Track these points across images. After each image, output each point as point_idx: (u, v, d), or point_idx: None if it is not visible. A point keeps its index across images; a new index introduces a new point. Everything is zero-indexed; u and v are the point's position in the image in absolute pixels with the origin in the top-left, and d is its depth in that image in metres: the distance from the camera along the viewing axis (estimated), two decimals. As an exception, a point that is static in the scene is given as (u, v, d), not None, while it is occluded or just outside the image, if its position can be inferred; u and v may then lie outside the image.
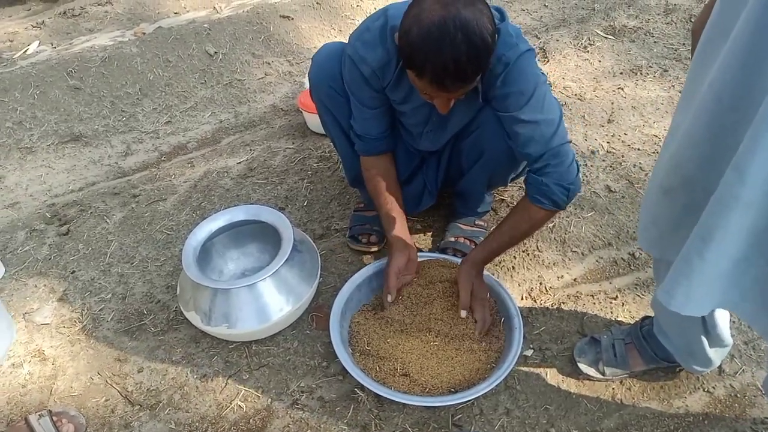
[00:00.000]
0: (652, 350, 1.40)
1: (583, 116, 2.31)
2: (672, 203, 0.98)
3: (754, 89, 0.76)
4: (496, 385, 1.36)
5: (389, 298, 1.48)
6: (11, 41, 2.74)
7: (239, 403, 1.43)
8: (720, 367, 1.47)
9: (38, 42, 2.73)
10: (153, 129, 2.36)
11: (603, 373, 1.43)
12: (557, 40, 2.78)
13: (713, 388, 1.44)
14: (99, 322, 1.62)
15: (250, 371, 1.50)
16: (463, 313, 1.45)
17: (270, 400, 1.44)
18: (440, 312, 1.50)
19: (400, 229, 1.54)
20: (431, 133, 1.54)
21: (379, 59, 1.35)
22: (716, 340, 1.27)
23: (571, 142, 1.41)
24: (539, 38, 2.83)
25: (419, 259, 1.58)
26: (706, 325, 1.24)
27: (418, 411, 1.40)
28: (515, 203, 1.55)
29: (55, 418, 1.34)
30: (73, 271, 1.76)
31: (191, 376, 1.49)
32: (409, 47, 1.16)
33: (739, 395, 1.43)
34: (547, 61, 2.65)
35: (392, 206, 1.55)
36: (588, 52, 2.69)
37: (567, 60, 2.64)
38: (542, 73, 1.38)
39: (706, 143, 0.88)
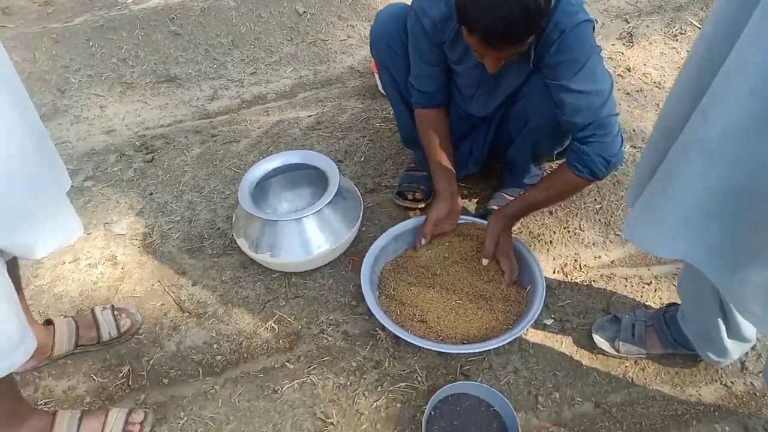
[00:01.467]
0: (672, 335, 1.41)
1: (658, 104, 2.26)
2: (652, 154, 0.99)
3: (726, 41, 0.77)
4: (508, 343, 1.42)
5: (422, 242, 1.58)
6: (128, -12, 3.01)
7: (273, 324, 1.58)
8: (743, 363, 1.45)
9: (151, -10, 2.99)
10: (239, 78, 2.54)
11: (617, 350, 1.45)
12: (647, 26, 2.70)
13: (732, 383, 1.43)
14: (166, 239, 1.82)
15: (287, 299, 1.64)
16: (485, 262, 1.53)
17: (300, 326, 1.58)
18: (467, 272, 1.57)
19: (448, 180, 1.61)
20: (483, 96, 1.58)
21: (441, 13, 1.41)
22: (735, 332, 1.27)
23: (618, 114, 1.41)
24: (629, 23, 2.75)
25: (463, 222, 1.66)
26: (724, 310, 1.23)
27: (430, 356, 1.49)
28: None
29: (115, 312, 1.55)
30: (151, 194, 1.97)
31: (236, 296, 1.66)
32: (464, 3, 1.21)
33: (758, 394, 1.41)
34: (632, 46, 2.58)
35: (442, 159, 1.62)
36: (677, 41, 2.59)
37: (653, 47, 2.57)
38: (597, 45, 1.38)
39: (686, 95, 0.90)
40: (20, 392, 1.28)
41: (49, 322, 1.48)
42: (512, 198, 1.81)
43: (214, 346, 1.54)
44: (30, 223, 1.05)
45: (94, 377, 1.48)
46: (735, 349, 1.31)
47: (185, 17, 2.70)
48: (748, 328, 1.26)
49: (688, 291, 1.31)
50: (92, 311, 1.54)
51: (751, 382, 1.43)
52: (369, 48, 1.69)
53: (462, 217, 1.69)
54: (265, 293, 1.66)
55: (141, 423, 1.35)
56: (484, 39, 1.23)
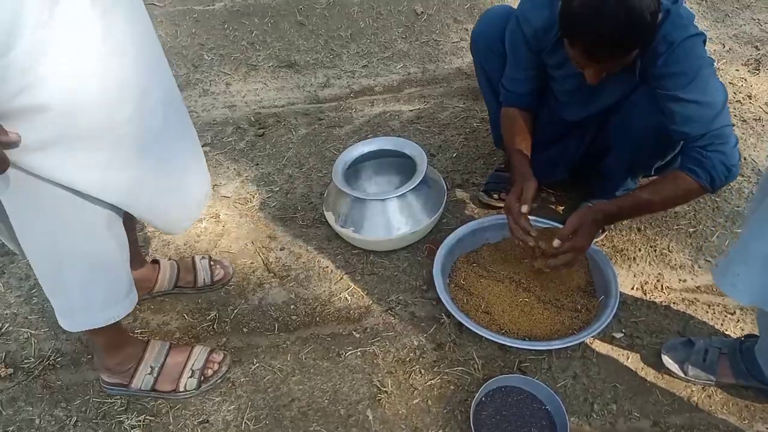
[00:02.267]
0: (745, 366, 1.35)
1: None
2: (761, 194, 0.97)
3: None
4: (571, 347, 1.42)
5: (524, 209, 1.43)
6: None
7: (346, 295, 1.69)
8: (826, 409, 1.36)
9: (285, -17, 3.23)
10: (351, 69, 2.69)
11: (686, 373, 1.41)
12: (779, 55, 2.53)
13: (809, 427, 1.34)
14: (264, 205, 1.98)
15: (362, 275, 1.74)
16: (556, 243, 1.40)
17: (371, 301, 1.67)
18: (541, 274, 1.58)
19: (528, 166, 1.51)
20: (577, 104, 1.59)
21: (544, 21, 1.44)
22: None
23: (733, 126, 1.36)
24: (759, 49, 2.60)
25: (542, 227, 1.66)
26: None
27: (490, 347, 1.52)
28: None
29: (212, 263, 1.72)
30: (257, 164, 2.15)
31: (317, 265, 1.78)
32: (568, 15, 1.24)
33: (838, 444, 1.31)
34: (758, 73, 2.44)
35: (524, 150, 1.55)
36: (811, 72, 2.42)
37: (782, 76, 2.41)
38: (710, 57, 1.35)
39: None
40: (121, 325, 1.41)
41: (155, 261, 1.67)
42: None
43: (292, 306, 1.67)
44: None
45: (186, 317, 1.65)
46: None
47: (311, 9, 2.89)
48: None
49: (765, 324, 1.25)
50: (192, 258, 1.72)
51: (832, 432, 1.33)
52: (470, 45, 1.74)
53: (544, 220, 1.70)
54: (344, 266, 1.77)
55: (219, 362, 1.49)
56: (587, 51, 1.25)
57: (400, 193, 1.65)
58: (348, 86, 2.61)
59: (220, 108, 2.48)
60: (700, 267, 1.71)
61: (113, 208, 1.12)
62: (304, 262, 1.79)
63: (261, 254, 1.82)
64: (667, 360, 1.44)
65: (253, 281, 1.74)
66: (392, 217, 1.68)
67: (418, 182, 1.66)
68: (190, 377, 1.44)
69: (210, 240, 1.87)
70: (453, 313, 1.50)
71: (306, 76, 2.67)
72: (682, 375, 1.41)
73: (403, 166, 1.86)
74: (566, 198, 1.93)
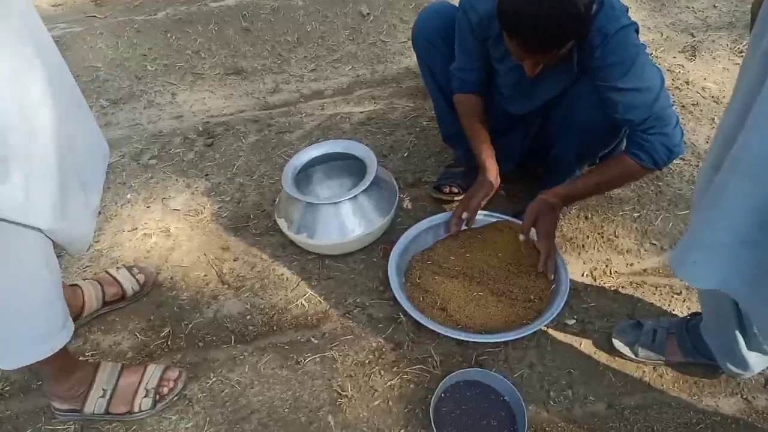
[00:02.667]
0: (692, 343, 1.39)
1: (713, 119, 2.20)
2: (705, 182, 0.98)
3: None
4: (525, 337, 1.45)
5: (464, 215, 1.63)
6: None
7: (303, 302, 1.68)
8: (767, 378, 1.41)
9: (229, -11, 3.19)
10: (300, 73, 2.68)
11: (636, 354, 1.45)
12: (713, 41, 2.63)
13: (754, 397, 1.40)
14: (215, 216, 1.96)
15: (319, 280, 1.73)
16: (521, 237, 1.49)
17: (329, 306, 1.66)
18: (493, 267, 1.61)
19: (492, 157, 1.64)
20: (520, 97, 1.62)
21: (487, 10, 1.45)
22: (755, 343, 1.24)
23: (674, 106, 1.41)
24: (694, 36, 2.70)
25: (491, 221, 1.70)
26: (743, 322, 1.22)
27: (448, 344, 1.53)
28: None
29: (130, 270, 1.68)
30: (207, 174, 2.12)
31: (273, 273, 1.76)
32: (505, 8, 1.26)
33: (782, 413, 1.37)
34: (694, 60, 2.53)
35: (483, 135, 1.66)
36: (742, 58, 2.51)
37: (716, 62, 2.50)
38: (643, 43, 1.39)
39: (735, 115, 0.90)
40: (68, 351, 1.36)
41: (74, 285, 1.61)
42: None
43: (248, 317, 1.65)
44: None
45: (138, 335, 1.62)
46: (756, 362, 1.28)
47: (256, 15, 2.87)
48: None
49: (708, 302, 1.29)
50: (106, 272, 1.67)
51: (775, 400, 1.39)
52: (411, 41, 1.76)
53: (496, 214, 1.73)
54: (300, 273, 1.75)
55: (175, 380, 1.46)
56: (523, 44, 1.27)
57: (352, 196, 1.65)
58: (297, 91, 2.59)
59: (167, 119, 2.44)
60: (645, 250, 1.76)
61: (42, 235, 1.09)
62: (258, 272, 1.77)
63: (214, 266, 1.79)
64: (617, 343, 1.47)
65: (207, 294, 1.72)
66: (345, 220, 1.67)
67: (368, 184, 1.66)
68: (145, 397, 1.41)
69: (160, 255, 1.83)
70: (409, 311, 1.51)
71: (254, 83, 2.64)
72: (633, 357, 1.45)
73: (354, 168, 1.86)
74: (516, 190, 1.96)
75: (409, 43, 2.78)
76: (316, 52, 2.79)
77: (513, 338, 1.44)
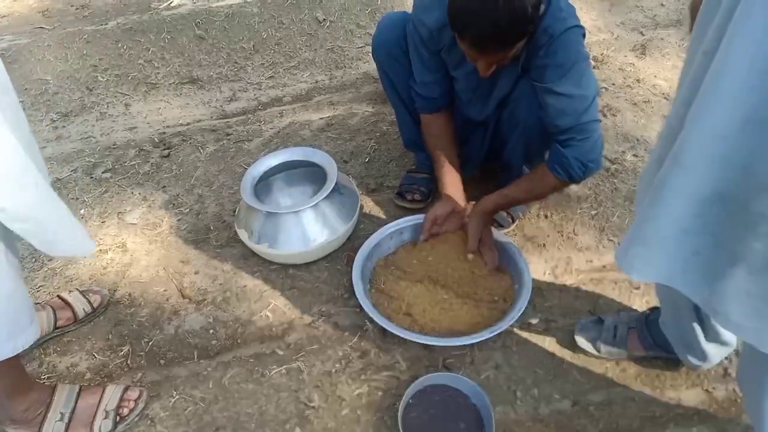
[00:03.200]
0: (652, 337, 1.42)
1: (664, 115, 2.26)
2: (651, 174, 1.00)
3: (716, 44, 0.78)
4: (490, 338, 1.45)
5: (421, 237, 1.65)
6: (160, -6, 3.17)
7: (267, 313, 1.65)
8: (726, 369, 1.45)
9: (182, -3, 3.13)
10: (257, 81, 2.65)
11: (598, 351, 1.47)
12: (662, 39, 2.70)
13: (713, 388, 1.43)
14: (174, 229, 1.91)
15: (282, 290, 1.71)
16: (470, 256, 1.60)
17: (293, 316, 1.64)
18: (455, 270, 1.61)
19: (452, 183, 1.68)
20: (479, 101, 1.63)
21: (435, 20, 1.46)
22: (713, 334, 1.27)
23: (600, 121, 1.44)
24: (643, 34, 2.77)
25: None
26: (700, 314, 1.25)
27: (414, 348, 1.53)
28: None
29: (82, 292, 1.63)
30: (164, 186, 2.07)
31: (235, 285, 1.73)
32: (454, 9, 1.26)
33: (739, 401, 1.41)
34: (644, 58, 2.60)
35: (447, 163, 1.68)
36: (691, 53, 2.59)
37: (665, 59, 2.57)
38: (586, 51, 1.42)
39: (681, 104, 0.91)
40: (23, 367, 1.36)
41: None
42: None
43: (210, 331, 1.62)
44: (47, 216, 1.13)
45: (96, 355, 1.56)
46: (715, 353, 1.31)
47: (210, 22, 2.82)
48: (727, 332, 1.27)
49: (664, 296, 1.32)
50: (58, 296, 1.62)
51: (733, 389, 1.43)
52: (371, 54, 1.75)
53: None
54: (263, 283, 1.73)
55: (135, 400, 1.42)
56: (474, 44, 1.28)
57: (313, 204, 1.63)
58: (255, 98, 2.56)
59: (121, 131, 2.38)
60: (604, 247, 1.79)
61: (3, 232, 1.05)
62: (220, 284, 1.74)
63: (174, 280, 1.75)
64: (580, 340, 1.49)
65: (168, 309, 1.67)
66: (307, 228, 1.66)
67: (329, 191, 1.64)
68: (105, 419, 1.37)
69: (117, 271, 1.78)
70: (374, 318, 1.50)
71: (210, 92, 2.60)
72: (596, 353, 1.47)
73: (315, 176, 1.84)
74: (477, 193, 1.96)
75: (367, 48, 2.80)
76: (272, 59, 2.76)
77: (478, 340, 1.44)
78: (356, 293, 1.55)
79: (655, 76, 2.47)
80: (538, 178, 1.54)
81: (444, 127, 1.70)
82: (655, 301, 1.62)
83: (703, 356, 1.32)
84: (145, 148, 2.27)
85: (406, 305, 1.54)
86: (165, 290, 1.73)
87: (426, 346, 1.52)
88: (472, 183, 1.95)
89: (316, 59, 2.76)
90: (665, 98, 2.34)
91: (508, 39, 1.26)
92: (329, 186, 1.66)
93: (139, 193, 2.05)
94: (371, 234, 1.73)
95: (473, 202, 1.77)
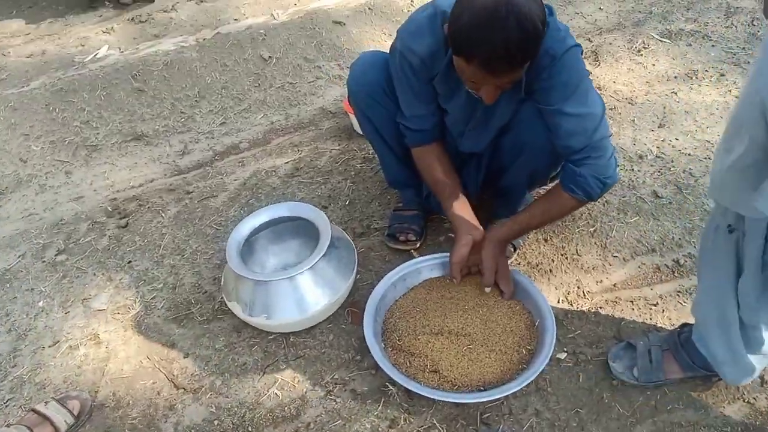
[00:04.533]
0: (690, 357, 1.37)
1: (633, 120, 2.27)
2: None
3: None
4: (526, 386, 1.36)
5: (455, 281, 1.56)
6: (83, 45, 2.93)
7: (276, 391, 1.49)
8: (762, 377, 1.43)
9: (107, 46, 2.91)
10: (209, 129, 2.47)
11: (637, 379, 1.41)
12: (610, 44, 2.73)
13: (754, 399, 1.40)
14: (150, 309, 1.72)
15: (287, 361, 1.56)
16: (487, 290, 1.52)
17: (305, 389, 1.49)
18: (472, 312, 1.52)
19: (463, 209, 1.55)
20: (473, 132, 1.55)
21: (428, 46, 1.37)
22: (755, 345, 1.24)
23: (611, 135, 1.40)
24: (591, 41, 2.79)
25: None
26: (746, 328, 1.21)
27: (447, 407, 1.42)
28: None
29: (59, 401, 1.43)
30: (129, 262, 1.87)
31: (232, 364, 1.56)
32: (460, 31, 1.17)
33: (787, 410, 1.38)
34: (599, 65, 2.61)
35: (452, 188, 1.57)
36: (642, 55, 2.63)
37: (619, 64, 2.60)
38: (587, 69, 1.38)
39: None
40: None
41: None
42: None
43: (215, 422, 1.44)
44: None
45: (88, 472, 1.36)
46: (758, 364, 1.28)
47: (148, 72, 2.62)
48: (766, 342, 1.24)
49: (707, 310, 1.27)
50: (32, 409, 1.42)
51: (774, 397, 1.40)
52: (347, 97, 1.64)
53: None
54: (264, 357, 1.57)
55: None
56: (485, 65, 1.18)
57: (311, 265, 1.49)
58: (210, 148, 2.39)
59: (66, 203, 2.15)
60: (610, 264, 1.75)
61: None
62: (215, 365, 1.56)
63: (162, 369, 1.56)
64: (615, 369, 1.43)
65: (161, 405, 1.49)
66: (306, 293, 1.52)
67: (326, 248, 1.51)
68: None
69: (95, 368, 1.57)
70: (399, 381, 1.38)
71: (159, 147, 2.41)
72: (635, 381, 1.41)
73: (299, 227, 1.70)
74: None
75: (319, 82, 2.69)
76: (221, 103, 2.60)
77: (514, 390, 1.35)
78: (374, 355, 1.42)
79: (615, 82, 2.48)
80: (554, 201, 1.48)
81: (441, 155, 1.60)
82: (674, 317, 1.59)
83: (746, 370, 1.29)
84: (98, 219, 2.05)
85: (431, 361, 1.42)
86: (154, 383, 1.54)
87: (457, 403, 1.41)
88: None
89: (268, 99, 2.62)
90: (630, 103, 2.35)
91: (519, 59, 1.18)
92: (324, 243, 1.52)
93: (102, 274, 1.84)
94: (372, 285, 1.61)
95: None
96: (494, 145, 1.62)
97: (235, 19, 3.08)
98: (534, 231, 1.83)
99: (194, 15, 3.12)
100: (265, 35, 2.83)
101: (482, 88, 1.28)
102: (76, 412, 1.42)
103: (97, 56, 2.85)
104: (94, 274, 1.84)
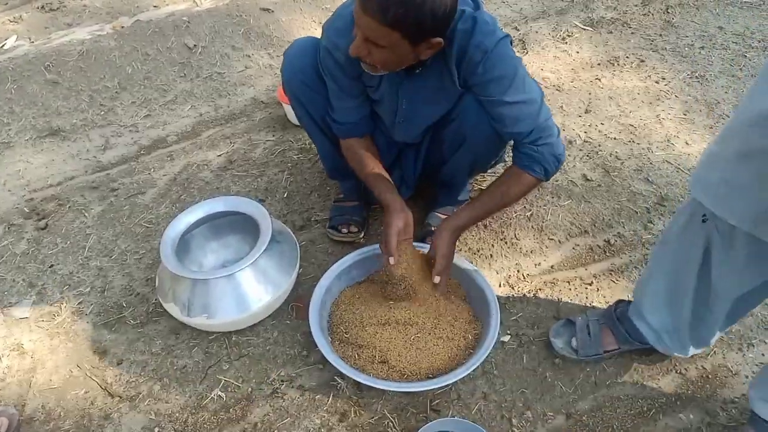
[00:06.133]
0: (625, 330, 1.43)
1: (561, 106, 2.34)
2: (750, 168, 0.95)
3: None
4: (473, 371, 1.38)
5: (391, 261, 1.43)
6: (-13, 35, 2.71)
7: (219, 393, 1.44)
8: (691, 349, 1.51)
9: (16, 36, 2.70)
10: (132, 123, 2.35)
11: (577, 353, 1.46)
12: (536, 32, 2.80)
13: (685, 369, 1.48)
14: (78, 315, 1.62)
15: (230, 361, 1.50)
16: (437, 279, 1.46)
17: (250, 389, 1.45)
18: (417, 300, 1.51)
19: (392, 191, 1.50)
20: (403, 124, 1.55)
21: (351, 42, 1.34)
22: (702, 333, 1.31)
23: (552, 117, 1.43)
24: (518, 30, 2.84)
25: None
26: (700, 316, 1.26)
27: (396, 397, 1.41)
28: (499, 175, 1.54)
29: None
30: (52, 265, 1.75)
31: (171, 368, 1.50)
32: None
33: (710, 376, 1.46)
34: (526, 53, 2.67)
35: (380, 173, 1.53)
36: (566, 43, 2.71)
37: (545, 51, 2.67)
38: (518, 56, 1.39)
39: None
40: None
41: None
42: (446, 216, 1.78)
43: (155, 429, 1.38)
44: None
45: (17, 493, 1.27)
46: (694, 347, 1.35)
47: (62, 63, 2.45)
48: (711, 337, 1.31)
49: (657, 287, 1.31)
50: None
51: (702, 366, 1.48)
52: (282, 85, 1.59)
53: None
54: (205, 359, 1.51)
55: None
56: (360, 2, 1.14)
57: (252, 261, 1.44)
58: (134, 142, 2.27)
59: (-24, 205, 1.98)
60: (546, 247, 1.79)
61: None
62: (153, 370, 1.49)
63: (94, 377, 1.47)
64: (556, 344, 1.48)
65: (96, 414, 1.40)
66: (248, 290, 1.47)
67: (266, 244, 1.47)
68: None
69: (20, 380, 1.46)
70: (349, 374, 1.36)
71: (77, 142, 2.26)
72: (575, 356, 1.46)
73: (237, 222, 1.65)
74: (411, 212, 1.88)
75: (249, 71, 2.61)
76: (144, 95, 2.47)
77: (461, 377, 1.36)
78: (322, 349, 1.40)
79: (542, 69, 2.55)
80: (513, 182, 1.46)
81: (367, 146, 1.58)
82: (608, 294, 1.65)
83: (685, 346, 1.35)
84: (14, 221, 1.90)
85: (380, 352, 1.41)
86: (86, 392, 1.45)
87: (407, 392, 1.41)
88: (406, 202, 1.87)
89: (195, 90, 2.51)
90: (557, 90, 2.42)
91: (389, 11, 1.12)
92: (265, 239, 1.48)
93: (23, 280, 1.71)
94: (315, 278, 1.58)
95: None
96: (434, 136, 1.62)
97: (155, 6, 2.93)
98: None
99: (110, 2, 2.95)
100: (189, 23, 2.70)
101: (356, 34, 1.22)
102: (3, 430, 1.32)
103: (5, 47, 2.64)
104: (14, 281, 1.71)
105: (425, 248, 1.57)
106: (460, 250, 1.77)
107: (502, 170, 1.97)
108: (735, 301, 1.19)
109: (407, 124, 1.55)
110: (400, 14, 1.12)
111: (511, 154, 1.48)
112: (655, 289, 1.32)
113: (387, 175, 1.53)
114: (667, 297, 1.30)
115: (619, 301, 1.50)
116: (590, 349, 1.46)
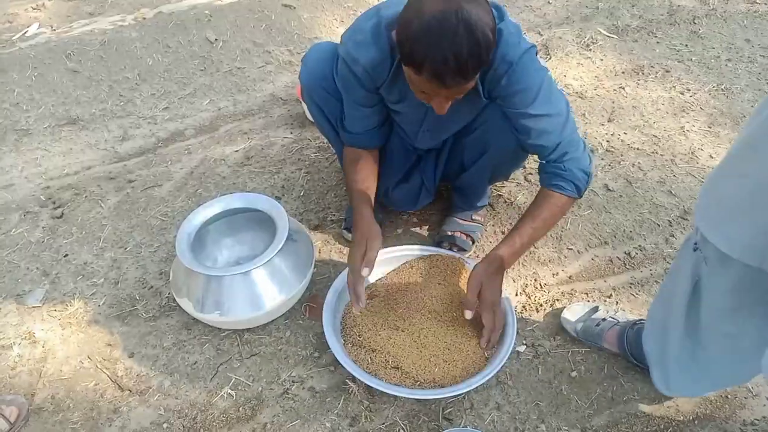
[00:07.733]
0: (629, 343, 1.42)
1: (584, 114, 2.30)
2: None
3: None
4: (487, 380, 1.35)
5: (355, 310, 1.40)
6: (10, 23, 2.72)
7: (229, 390, 1.43)
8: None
9: (38, 24, 2.71)
10: (150, 114, 2.34)
11: (576, 331, 1.49)
12: (560, 38, 2.76)
13: (705, 389, 1.44)
14: (90, 306, 1.61)
15: (241, 359, 1.49)
16: (468, 314, 1.38)
17: (260, 388, 1.43)
18: (435, 306, 1.49)
19: (371, 217, 1.44)
20: (428, 133, 1.53)
21: (371, 59, 1.32)
22: (701, 368, 1.24)
23: (579, 130, 1.40)
24: (542, 35, 2.81)
25: (420, 254, 1.59)
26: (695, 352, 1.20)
27: (408, 404, 1.39)
28: (532, 198, 1.48)
29: None
30: (66, 255, 1.75)
31: (182, 363, 1.48)
32: (409, 41, 1.12)
33: (729, 396, 1.43)
34: (549, 59, 2.64)
35: (364, 191, 1.48)
36: (590, 50, 2.68)
37: (569, 58, 2.63)
38: (544, 66, 1.36)
39: None
40: None
41: None
42: (465, 222, 1.76)
43: (164, 425, 1.37)
44: None
45: (24, 484, 1.26)
46: (684, 390, 1.31)
47: (83, 52, 2.46)
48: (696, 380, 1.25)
49: (656, 312, 1.28)
50: None
51: (722, 386, 1.45)
52: (300, 90, 1.57)
53: (423, 247, 1.63)
54: (216, 356, 1.50)
55: None
56: (435, 77, 1.14)
57: (266, 260, 1.43)
58: (152, 134, 2.26)
59: (-6, 191, 1.99)
60: (565, 257, 1.76)
61: None
62: (163, 365, 1.48)
63: (105, 370, 1.47)
64: (565, 318, 1.52)
65: (105, 408, 1.39)
66: (262, 288, 1.45)
67: (282, 243, 1.45)
68: None
69: (31, 369, 1.46)
70: (361, 378, 1.34)
71: (96, 132, 2.26)
72: (573, 334, 1.48)
73: (253, 219, 1.63)
74: (427, 216, 1.87)
75: (269, 67, 2.59)
76: (164, 87, 2.46)
77: (474, 386, 1.34)
78: (334, 352, 1.38)
79: (565, 76, 2.51)
80: (547, 205, 1.39)
81: (364, 162, 1.52)
82: (627, 308, 1.62)
83: (671, 386, 1.28)
84: (30, 209, 1.90)
85: (393, 358, 1.39)
86: (96, 384, 1.44)
87: (419, 399, 1.39)
88: (421, 207, 1.85)
89: (214, 84, 2.50)
90: (580, 97, 2.39)
91: (470, 69, 1.14)
92: (281, 237, 1.46)
93: (37, 268, 1.71)
94: (329, 278, 1.57)
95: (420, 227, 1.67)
96: (455, 143, 1.60)
97: (178, -2, 2.93)
98: (491, 224, 1.83)
99: (133, -8, 2.95)
100: (211, 16, 2.70)
101: (433, 98, 1.24)
102: (12, 419, 1.31)
103: (27, 34, 2.65)
104: (28, 269, 1.70)
105: (446, 254, 1.57)
106: (477, 256, 1.74)
107: (522, 176, 1.98)
108: (732, 346, 1.10)
109: (431, 134, 1.54)
110: (475, 65, 1.13)
111: (537, 176, 1.45)
112: (653, 314, 1.29)
113: (370, 196, 1.49)
114: (661, 325, 1.25)
115: (642, 320, 1.47)
116: (590, 338, 1.48)
